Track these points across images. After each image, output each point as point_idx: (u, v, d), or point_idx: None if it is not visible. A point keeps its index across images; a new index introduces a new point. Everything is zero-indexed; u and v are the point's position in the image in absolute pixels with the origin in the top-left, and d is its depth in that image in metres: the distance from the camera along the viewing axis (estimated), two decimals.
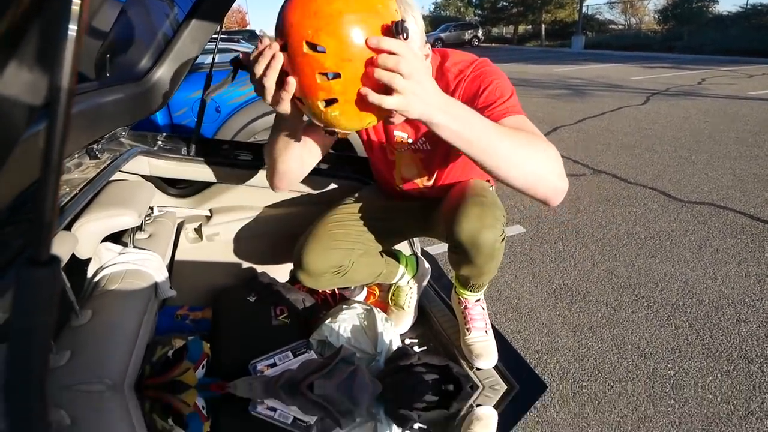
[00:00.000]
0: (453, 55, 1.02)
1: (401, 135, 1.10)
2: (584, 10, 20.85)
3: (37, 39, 0.34)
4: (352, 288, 1.48)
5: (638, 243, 2.46)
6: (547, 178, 0.78)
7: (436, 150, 1.09)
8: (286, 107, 0.69)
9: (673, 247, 2.39)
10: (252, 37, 16.51)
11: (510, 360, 1.21)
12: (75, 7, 0.23)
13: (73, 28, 0.23)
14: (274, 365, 1.11)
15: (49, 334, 0.25)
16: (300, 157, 0.99)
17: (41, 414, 0.24)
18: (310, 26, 0.60)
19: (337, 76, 0.62)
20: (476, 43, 23.60)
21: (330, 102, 0.65)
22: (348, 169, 1.48)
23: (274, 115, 2.76)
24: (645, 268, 2.20)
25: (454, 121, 0.68)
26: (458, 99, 0.88)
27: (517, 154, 0.75)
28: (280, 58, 0.65)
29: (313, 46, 0.61)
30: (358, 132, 1.10)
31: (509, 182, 0.77)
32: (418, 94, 0.64)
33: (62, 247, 0.86)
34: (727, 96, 6.61)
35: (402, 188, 1.23)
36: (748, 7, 16.03)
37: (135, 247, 1.23)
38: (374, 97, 0.62)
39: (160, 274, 1.19)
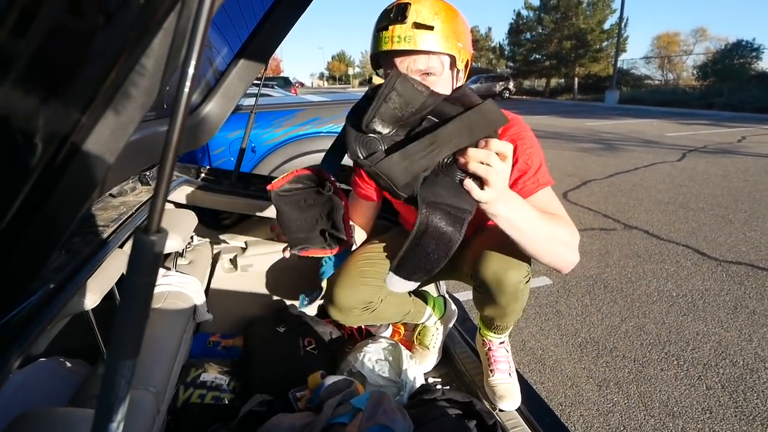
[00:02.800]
0: None
1: None
2: (619, 64, 21.08)
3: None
4: (378, 324, 1.56)
5: (669, 300, 2.43)
6: (566, 257, 0.97)
7: None
8: None
9: (706, 307, 2.36)
10: (286, 83, 17.22)
11: (533, 404, 1.24)
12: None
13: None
14: None
15: (151, 293, 0.29)
16: None
17: (136, 352, 0.29)
18: None
19: None
20: (507, 96, 23.92)
21: None
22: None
23: (306, 157, 3.07)
24: (676, 326, 2.18)
25: (512, 208, 0.84)
26: None
27: (550, 242, 0.93)
28: None
29: None
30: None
31: (535, 258, 0.96)
32: (503, 195, 0.79)
33: (115, 262, 0.92)
34: None
35: None
36: None
37: (177, 271, 1.31)
38: (470, 185, 0.75)
39: (199, 298, 1.27)
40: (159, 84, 0.31)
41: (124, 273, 1.00)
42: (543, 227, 0.91)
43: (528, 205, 0.89)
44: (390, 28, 0.87)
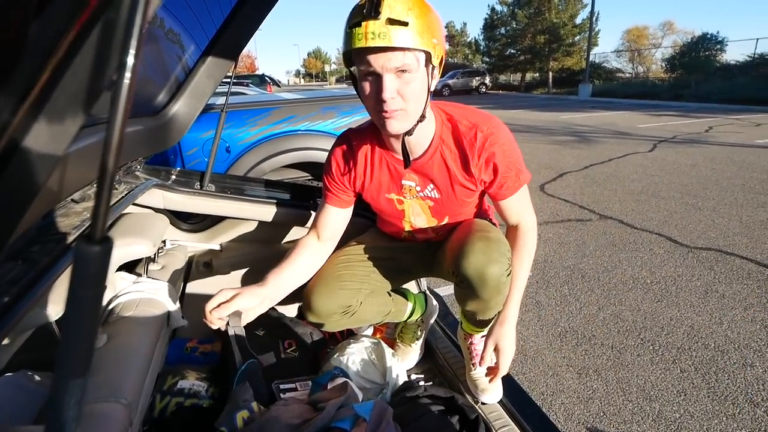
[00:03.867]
0: (459, 114, 1.08)
1: (409, 184, 1.15)
2: (592, 58, 21.52)
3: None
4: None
5: (644, 288, 2.49)
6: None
7: (444, 197, 1.14)
8: None
9: (678, 292, 2.43)
10: (261, 81, 17.13)
11: (515, 396, 1.25)
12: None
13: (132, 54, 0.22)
14: (295, 390, 1.18)
15: (99, 306, 0.27)
16: None
17: (85, 370, 0.27)
18: None
19: None
20: (483, 90, 24.20)
21: None
22: (357, 206, 1.57)
23: (281, 156, 3.07)
24: (651, 313, 2.24)
25: (515, 319, 1.18)
26: (480, 161, 1.06)
27: (529, 267, 1.20)
28: None
29: None
30: (365, 184, 1.19)
31: None
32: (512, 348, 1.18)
33: None
34: (735, 144, 6.72)
35: (411, 233, 1.28)
36: (756, 56, 16.34)
37: (149, 277, 1.27)
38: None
39: (173, 304, 1.23)
40: (102, 80, 0.28)
41: None
42: (525, 274, 1.19)
43: (514, 294, 1.16)
44: (363, 24, 0.83)
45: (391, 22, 0.83)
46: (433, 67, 0.94)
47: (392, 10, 0.83)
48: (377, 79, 0.90)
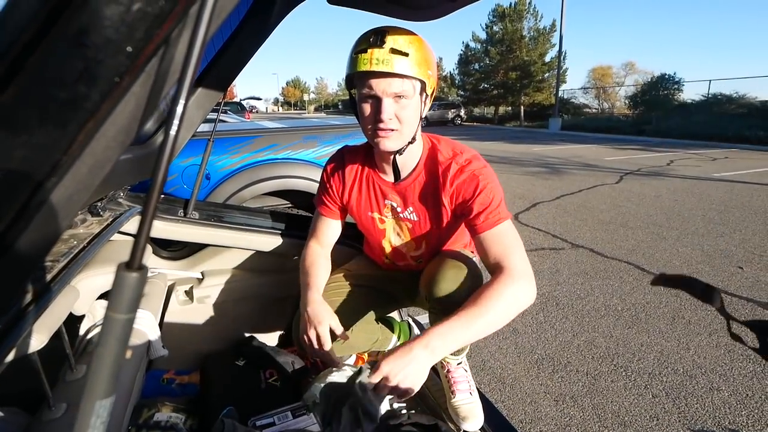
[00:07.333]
0: (444, 144, 1.16)
1: (391, 204, 1.21)
2: (560, 94, 22.61)
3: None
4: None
5: (615, 314, 2.58)
6: (522, 305, 1.00)
7: (421, 220, 1.19)
8: None
9: (648, 319, 2.52)
10: (241, 108, 17.51)
11: (496, 423, 1.27)
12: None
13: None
14: (273, 424, 1.16)
15: (130, 330, 0.29)
16: None
17: (112, 391, 0.29)
18: None
19: None
20: (459, 122, 24.99)
21: None
22: (343, 235, 1.60)
23: (261, 183, 3.11)
24: (622, 339, 2.31)
25: (445, 350, 0.92)
26: (450, 189, 1.09)
27: (501, 316, 0.96)
28: None
29: None
30: (351, 200, 1.26)
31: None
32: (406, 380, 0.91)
33: (65, 300, 0.86)
34: (694, 177, 7.11)
35: (391, 259, 1.32)
36: (710, 96, 17.55)
37: None
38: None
39: (153, 333, 1.21)
40: (137, 125, 0.31)
41: (72, 311, 0.94)
42: (484, 319, 0.93)
43: (453, 324, 0.92)
44: (369, 51, 0.94)
45: (394, 51, 0.94)
46: (426, 96, 1.05)
47: (395, 41, 0.95)
48: (377, 101, 1.00)
